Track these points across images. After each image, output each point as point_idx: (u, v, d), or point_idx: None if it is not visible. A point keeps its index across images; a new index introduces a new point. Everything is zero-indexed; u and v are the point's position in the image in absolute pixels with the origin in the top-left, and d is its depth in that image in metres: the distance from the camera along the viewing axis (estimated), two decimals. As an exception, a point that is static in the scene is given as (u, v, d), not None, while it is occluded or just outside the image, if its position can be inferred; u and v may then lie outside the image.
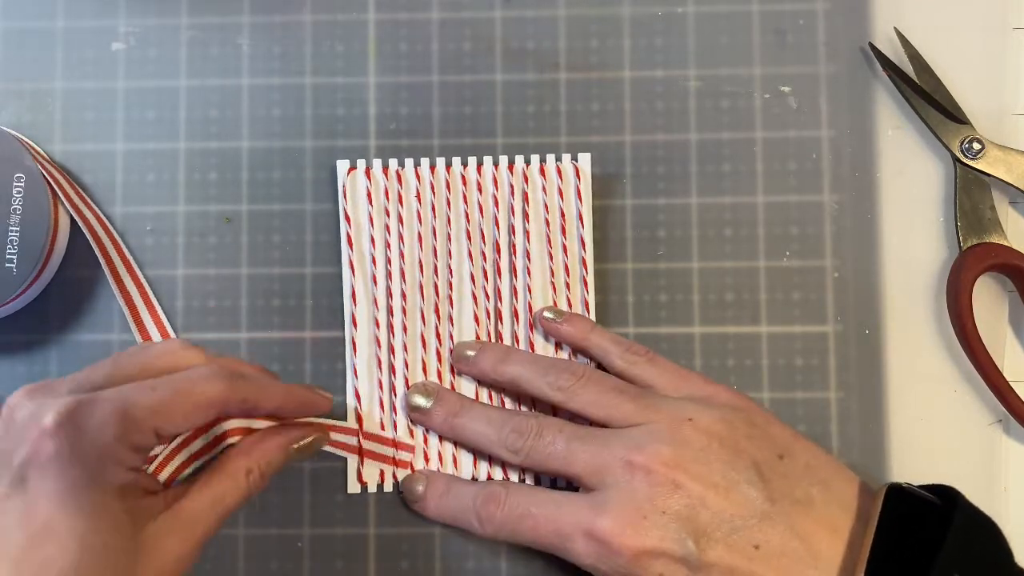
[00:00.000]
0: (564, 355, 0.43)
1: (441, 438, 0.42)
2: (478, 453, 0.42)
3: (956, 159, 0.43)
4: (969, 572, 0.34)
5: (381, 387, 0.43)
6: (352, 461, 0.42)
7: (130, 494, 0.34)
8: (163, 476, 0.39)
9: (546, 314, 0.42)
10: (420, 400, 0.42)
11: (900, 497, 0.36)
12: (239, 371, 0.36)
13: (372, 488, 0.42)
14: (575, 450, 0.38)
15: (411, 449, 0.42)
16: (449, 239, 0.43)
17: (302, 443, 0.39)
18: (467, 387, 0.43)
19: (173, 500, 0.35)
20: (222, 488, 0.36)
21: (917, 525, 0.35)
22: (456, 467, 0.42)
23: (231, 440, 0.40)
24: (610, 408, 0.39)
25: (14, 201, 0.40)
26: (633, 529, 0.35)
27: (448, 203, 0.43)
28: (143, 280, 0.43)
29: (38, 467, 0.31)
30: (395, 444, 0.42)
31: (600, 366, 0.42)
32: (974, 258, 0.42)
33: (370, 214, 0.43)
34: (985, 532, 0.35)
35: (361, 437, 0.42)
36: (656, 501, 0.36)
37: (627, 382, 0.40)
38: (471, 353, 0.42)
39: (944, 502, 0.36)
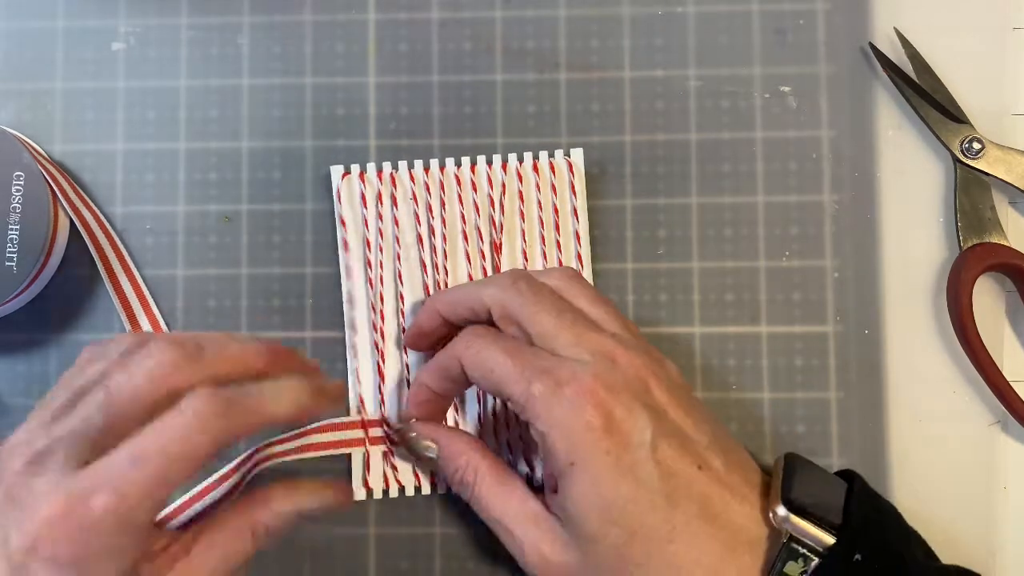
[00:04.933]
0: None
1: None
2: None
3: (956, 159, 0.43)
4: (866, 535, 0.35)
5: (380, 390, 0.43)
6: (357, 468, 0.42)
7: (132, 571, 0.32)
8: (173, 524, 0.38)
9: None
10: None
11: (798, 460, 0.38)
12: (223, 366, 0.34)
13: (378, 495, 0.42)
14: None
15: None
16: (445, 239, 0.43)
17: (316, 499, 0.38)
18: (469, 398, 0.42)
19: (174, 561, 0.34)
20: (229, 548, 0.35)
21: (816, 486, 0.37)
22: None
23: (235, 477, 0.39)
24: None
25: (14, 200, 0.40)
26: (602, 394, 0.35)
27: (443, 203, 0.43)
28: (140, 281, 0.43)
29: (40, 561, 0.30)
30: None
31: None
32: (974, 258, 0.42)
33: (364, 217, 0.43)
34: (880, 502, 0.37)
35: (364, 417, 0.42)
36: (629, 386, 0.36)
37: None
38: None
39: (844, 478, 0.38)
